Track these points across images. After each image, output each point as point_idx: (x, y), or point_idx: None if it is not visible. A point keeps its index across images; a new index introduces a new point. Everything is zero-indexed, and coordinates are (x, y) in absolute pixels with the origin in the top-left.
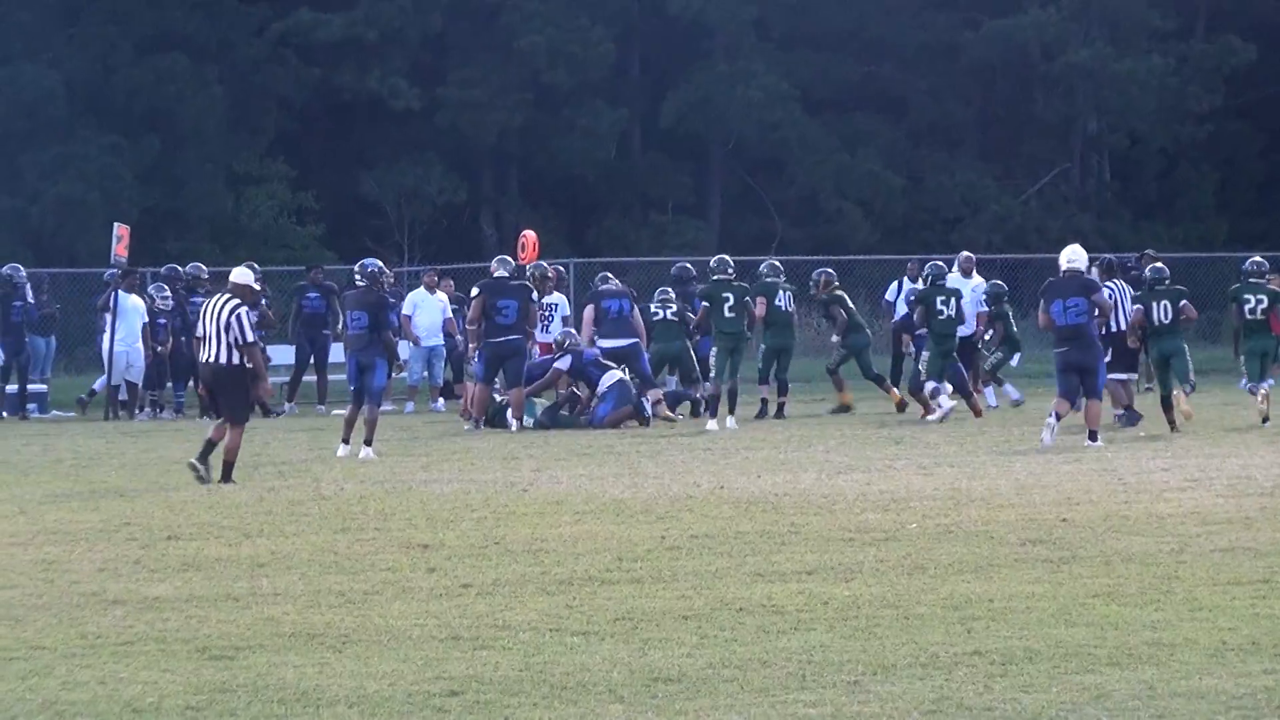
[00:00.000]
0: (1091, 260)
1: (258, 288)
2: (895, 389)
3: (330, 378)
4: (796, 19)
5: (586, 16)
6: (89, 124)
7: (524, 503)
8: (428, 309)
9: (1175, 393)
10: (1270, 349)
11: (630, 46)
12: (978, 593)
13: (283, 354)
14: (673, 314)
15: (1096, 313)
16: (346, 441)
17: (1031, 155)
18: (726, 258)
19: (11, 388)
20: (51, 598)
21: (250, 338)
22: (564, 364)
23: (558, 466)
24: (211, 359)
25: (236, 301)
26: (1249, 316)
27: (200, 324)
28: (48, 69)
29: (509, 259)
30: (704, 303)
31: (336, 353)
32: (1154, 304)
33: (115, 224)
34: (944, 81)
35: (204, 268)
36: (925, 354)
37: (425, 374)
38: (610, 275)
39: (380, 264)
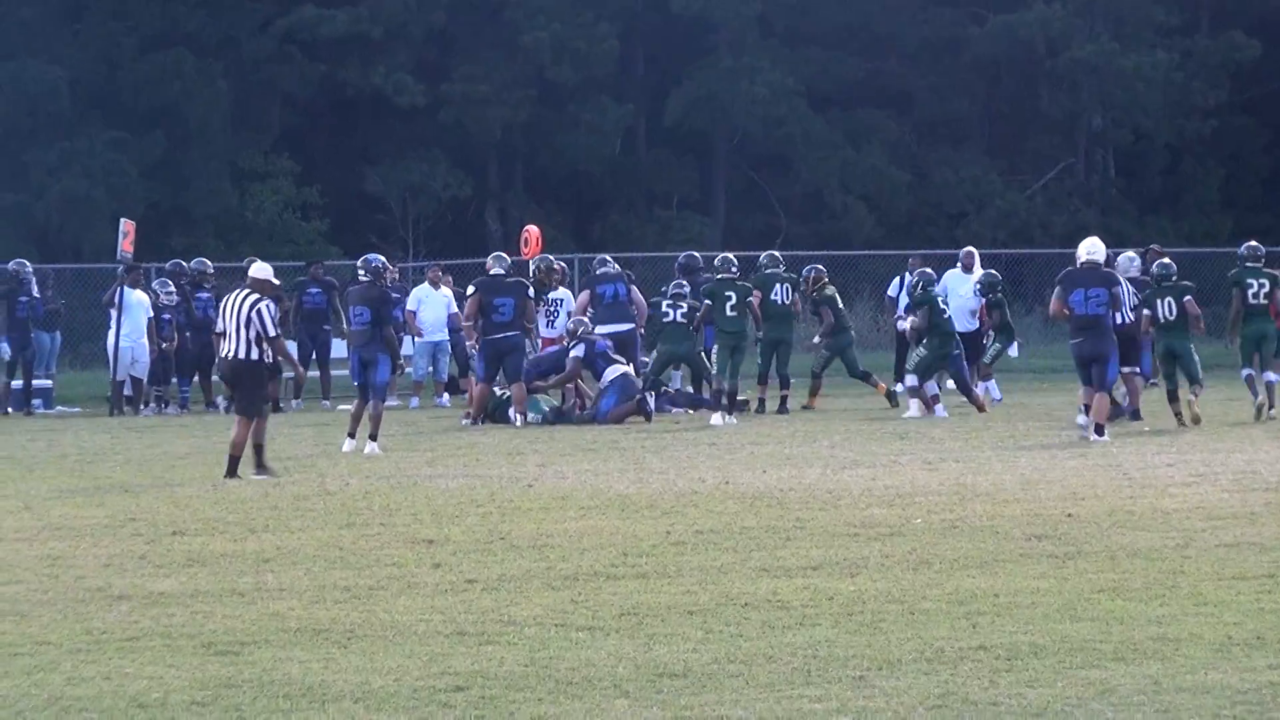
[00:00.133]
0: (1114, 253)
1: (277, 282)
2: (881, 382)
3: (333, 373)
4: (800, 15)
5: (591, 12)
6: (93, 120)
7: (529, 498)
8: (432, 304)
9: (1188, 397)
10: (1269, 333)
11: (634, 42)
12: (983, 588)
13: None
14: (683, 315)
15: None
16: (352, 436)
17: (1036, 151)
18: (730, 256)
19: (17, 383)
20: (57, 593)
21: (273, 332)
22: (580, 351)
23: (562, 462)
24: (232, 354)
25: (257, 296)
26: (1251, 301)
27: (220, 319)
28: (52, 65)
29: (505, 256)
30: (706, 300)
31: (339, 348)
32: (1159, 300)
33: (121, 219)
34: (948, 77)
35: (209, 263)
36: (921, 351)
37: (430, 369)
38: (608, 258)
39: (383, 259)
